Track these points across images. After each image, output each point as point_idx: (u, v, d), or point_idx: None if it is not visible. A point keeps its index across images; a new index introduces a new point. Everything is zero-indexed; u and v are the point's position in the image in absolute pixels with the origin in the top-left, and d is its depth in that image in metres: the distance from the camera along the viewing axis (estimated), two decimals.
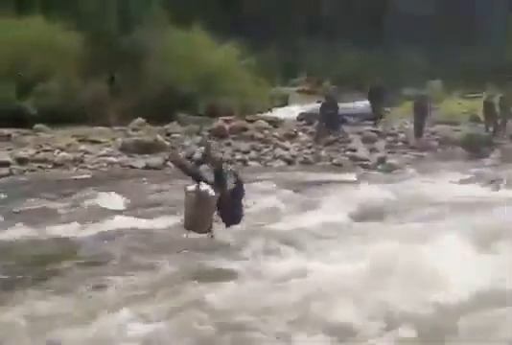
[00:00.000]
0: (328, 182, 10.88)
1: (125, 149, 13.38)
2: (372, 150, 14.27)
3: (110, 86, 19.55)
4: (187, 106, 18.39)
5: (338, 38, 29.66)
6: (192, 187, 5.09)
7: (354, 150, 14.21)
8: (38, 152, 12.49)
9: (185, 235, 5.36)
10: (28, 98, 17.52)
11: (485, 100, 15.55)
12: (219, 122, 15.70)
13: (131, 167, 12.47)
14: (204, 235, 5.30)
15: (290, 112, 20.55)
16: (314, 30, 30.40)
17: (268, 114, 19.48)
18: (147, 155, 13.24)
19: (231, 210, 5.31)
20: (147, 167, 12.54)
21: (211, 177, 5.26)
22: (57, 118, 16.34)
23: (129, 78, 19.60)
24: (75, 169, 12.07)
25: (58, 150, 12.70)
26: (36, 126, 15.03)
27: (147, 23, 20.45)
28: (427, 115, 15.36)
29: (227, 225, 5.38)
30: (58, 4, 18.87)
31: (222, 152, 14.01)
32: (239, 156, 13.83)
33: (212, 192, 5.03)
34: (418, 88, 21.17)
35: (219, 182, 5.17)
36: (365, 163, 13.50)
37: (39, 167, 11.85)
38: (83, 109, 18.05)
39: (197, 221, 5.14)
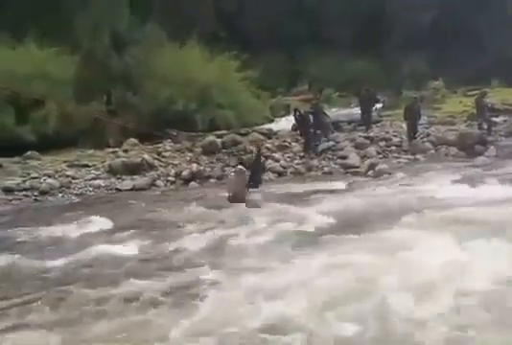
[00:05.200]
0: (316, 192, 10.65)
1: (112, 171, 13.29)
2: (363, 157, 14.03)
3: (107, 107, 19.64)
4: (184, 123, 18.32)
5: (340, 46, 29.44)
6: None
7: (345, 158, 13.99)
8: (25, 181, 12.38)
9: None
10: (25, 125, 17.74)
11: (476, 98, 15.12)
12: (210, 137, 15.61)
13: (117, 190, 12.39)
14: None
15: (290, 122, 20.35)
16: (316, 38, 30.17)
17: (265, 126, 19.31)
18: (135, 176, 13.13)
19: (255, 178, 8.57)
20: (133, 188, 12.43)
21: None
22: (55, 143, 16.51)
23: (125, 98, 19.68)
24: (60, 195, 11.96)
25: (45, 177, 12.62)
26: (27, 153, 15.04)
27: (141, 42, 20.55)
28: (419, 117, 15.04)
29: (251, 187, 8.13)
30: (50, 29, 19.05)
31: (212, 168, 14.03)
32: (228, 171, 13.68)
33: (244, 169, 8.40)
34: (418, 90, 20.94)
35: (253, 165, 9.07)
36: (356, 170, 13.30)
37: (25, 195, 11.77)
38: (82, 133, 18.22)
39: (237, 194, 7.63)
